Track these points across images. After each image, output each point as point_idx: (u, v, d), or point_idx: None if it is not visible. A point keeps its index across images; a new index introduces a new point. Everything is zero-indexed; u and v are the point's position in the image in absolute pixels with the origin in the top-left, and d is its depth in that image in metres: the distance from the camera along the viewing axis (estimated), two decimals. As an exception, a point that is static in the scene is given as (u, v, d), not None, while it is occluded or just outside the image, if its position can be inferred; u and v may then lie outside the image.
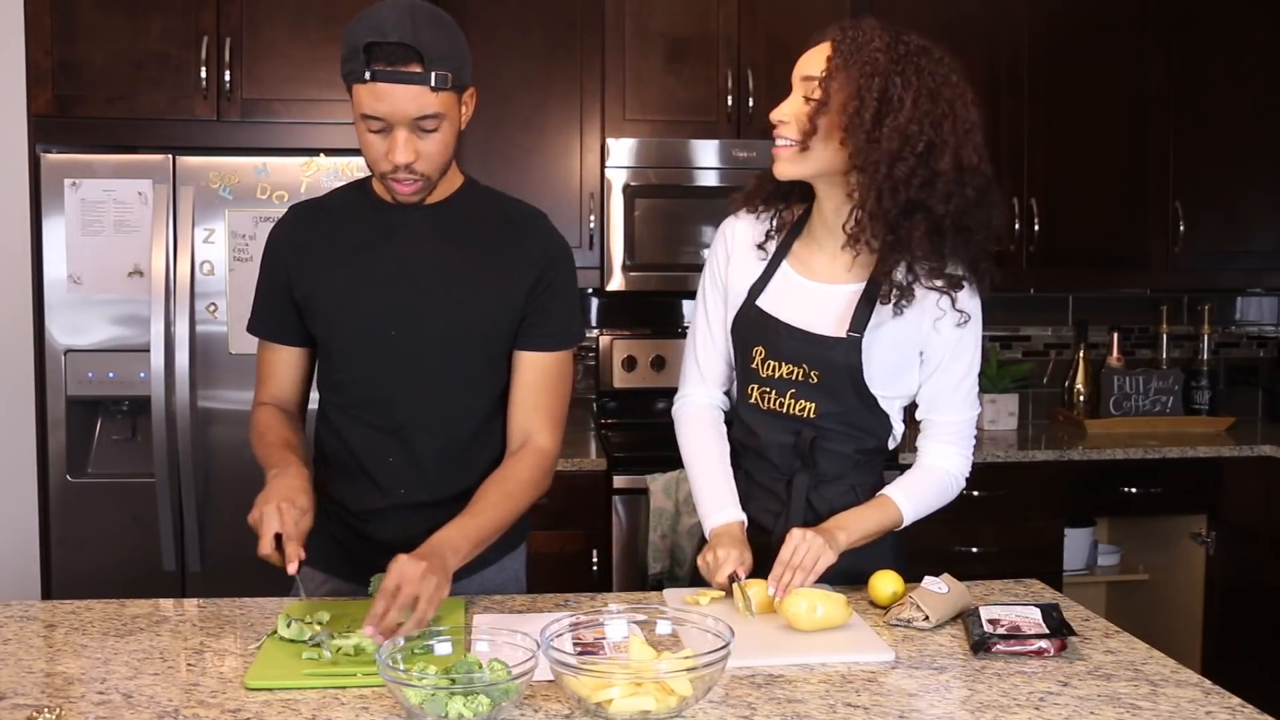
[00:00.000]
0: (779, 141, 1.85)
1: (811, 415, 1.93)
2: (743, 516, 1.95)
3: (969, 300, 1.91)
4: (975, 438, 2.01)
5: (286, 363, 1.99)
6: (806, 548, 1.77)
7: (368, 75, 1.70)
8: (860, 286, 1.92)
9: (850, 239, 1.86)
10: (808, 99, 1.82)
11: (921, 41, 1.83)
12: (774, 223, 1.98)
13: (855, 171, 1.81)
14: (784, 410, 1.94)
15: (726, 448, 2.04)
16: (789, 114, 1.84)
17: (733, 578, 1.81)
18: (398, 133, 1.74)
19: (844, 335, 1.89)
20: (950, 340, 1.92)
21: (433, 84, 1.72)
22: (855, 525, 1.87)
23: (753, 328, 1.97)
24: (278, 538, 1.66)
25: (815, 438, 1.93)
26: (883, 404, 1.94)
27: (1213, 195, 3.88)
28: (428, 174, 1.80)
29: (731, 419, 2.07)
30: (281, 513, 1.66)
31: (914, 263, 1.85)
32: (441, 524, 1.88)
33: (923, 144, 1.77)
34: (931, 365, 1.94)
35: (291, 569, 1.65)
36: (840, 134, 1.80)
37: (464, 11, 3.50)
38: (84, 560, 3.15)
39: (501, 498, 1.84)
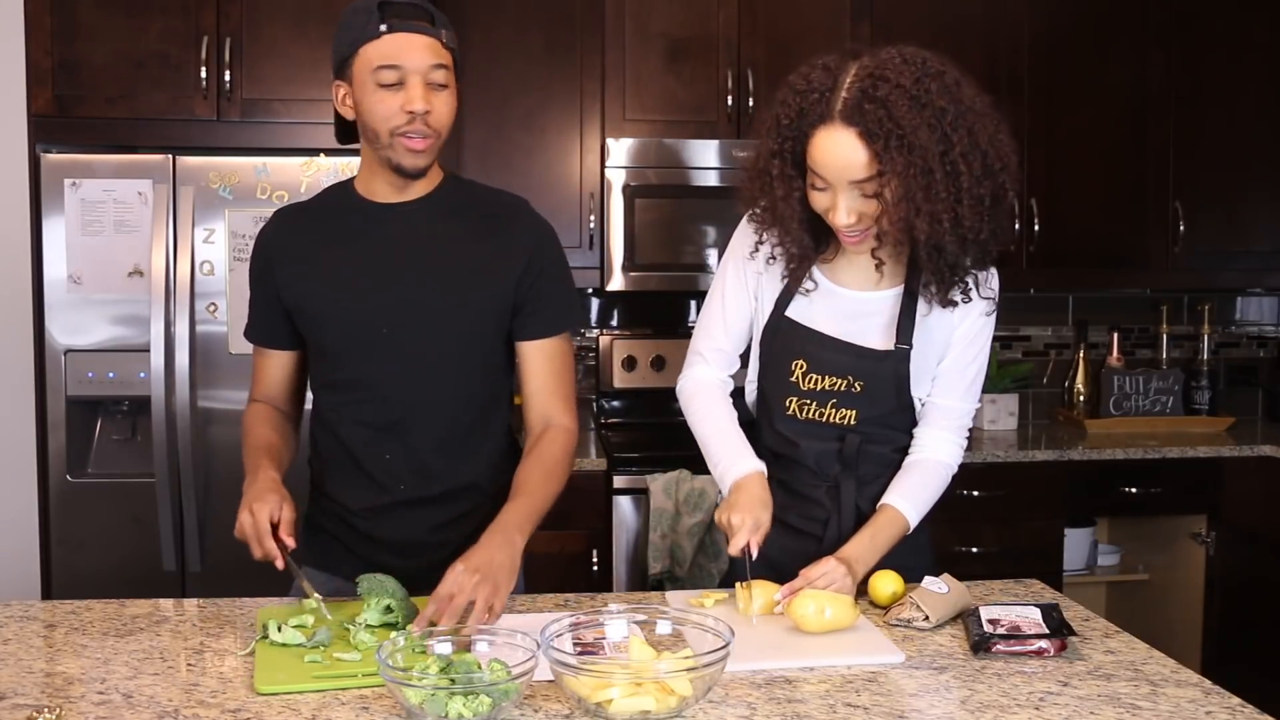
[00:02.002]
0: (851, 234, 1.80)
1: (852, 422, 1.93)
2: (762, 466, 1.94)
3: (995, 286, 1.93)
4: (975, 437, 2.01)
5: (278, 366, 2.03)
6: (831, 580, 1.77)
7: (384, 28, 1.78)
8: (896, 291, 1.91)
9: (924, 288, 1.87)
10: (865, 195, 1.75)
11: (925, 65, 1.74)
12: (793, 265, 1.93)
13: (922, 250, 1.77)
14: (824, 419, 1.94)
15: (734, 414, 2.02)
16: (857, 213, 1.77)
17: (741, 557, 1.81)
18: (412, 81, 1.80)
19: (892, 347, 1.89)
20: (974, 327, 1.92)
21: (444, 40, 1.82)
22: (871, 555, 1.86)
23: (789, 340, 1.95)
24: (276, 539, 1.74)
25: (860, 441, 1.93)
26: (916, 403, 1.94)
27: (1213, 195, 3.88)
28: (438, 131, 1.84)
29: (760, 428, 2.05)
30: (254, 514, 1.74)
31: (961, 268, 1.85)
32: (442, 520, 1.91)
33: (988, 197, 1.76)
34: (950, 350, 1.93)
35: (279, 565, 1.73)
36: (899, 231, 1.76)
37: (464, 12, 3.50)
38: (84, 560, 3.15)
39: (545, 477, 1.88)
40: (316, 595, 1.74)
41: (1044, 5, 3.77)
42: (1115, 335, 4.03)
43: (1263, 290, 4.30)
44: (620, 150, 3.55)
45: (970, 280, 1.87)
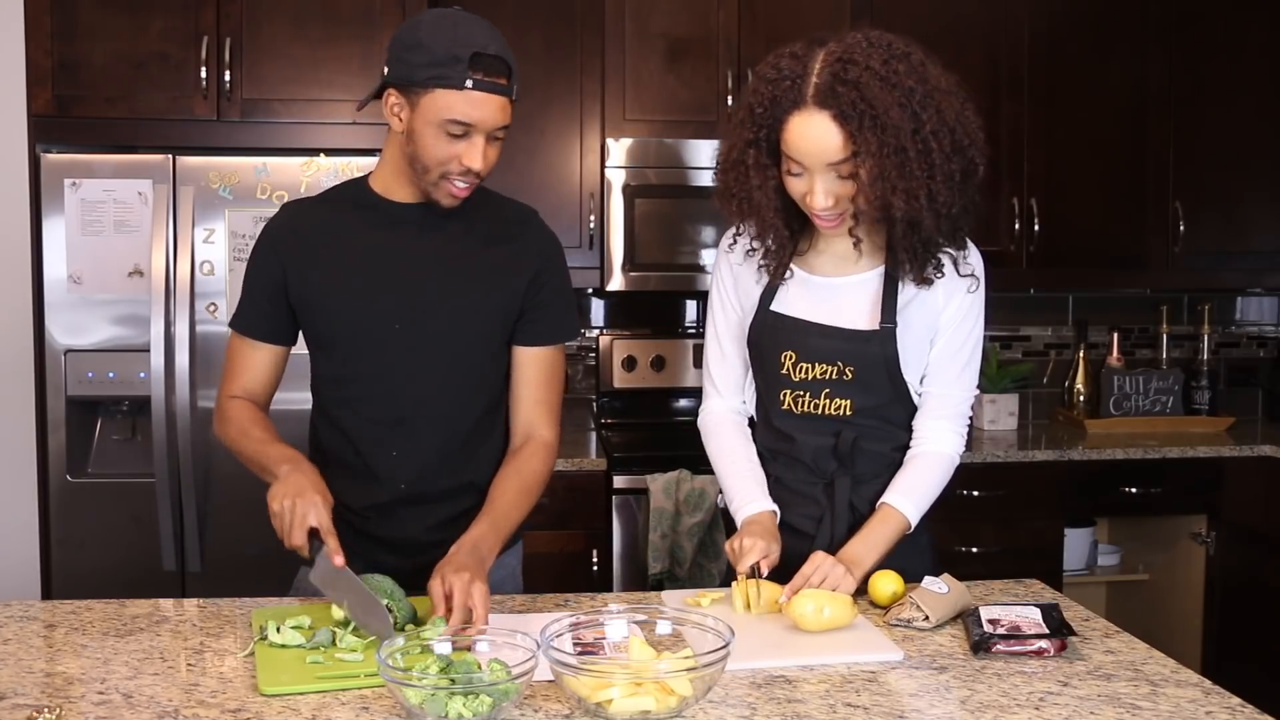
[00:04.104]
0: (827, 217, 1.82)
1: (847, 413, 1.93)
2: (774, 507, 1.95)
3: (976, 263, 1.94)
4: (975, 437, 2.01)
5: (265, 360, 2.01)
6: (827, 573, 1.78)
7: (469, 83, 1.77)
8: (876, 272, 1.92)
9: (901, 266, 1.87)
10: (841, 177, 1.77)
11: (891, 47, 1.76)
12: (770, 259, 1.95)
13: (898, 226, 1.78)
14: (819, 411, 1.94)
15: (753, 448, 2.03)
16: (834, 196, 1.79)
17: (754, 570, 1.81)
18: (477, 139, 1.81)
19: (878, 327, 1.89)
20: (961, 308, 1.92)
21: (514, 97, 1.82)
22: (871, 555, 1.87)
23: (777, 334, 1.95)
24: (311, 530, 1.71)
25: (856, 438, 1.93)
26: (912, 393, 1.94)
27: (1213, 195, 3.88)
28: (483, 179, 1.87)
29: (757, 426, 2.06)
30: (317, 507, 1.71)
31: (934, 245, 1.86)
32: (442, 519, 1.92)
33: (959, 173, 1.78)
34: (939, 336, 1.94)
35: (339, 561, 1.68)
36: (875, 208, 1.77)
37: (464, 11, 3.49)
38: (84, 560, 3.15)
39: (521, 494, 1.90)
40: (341, 611, 1.72)
41: (1044, 5, 3.77)
42: (1115, 335, 4.03)
43: (1263, 290, 4.30)
44: (620, 150, 3.55)
45: (944, 257, 1.88)
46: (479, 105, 1.78)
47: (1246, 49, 3.87)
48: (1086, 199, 3.82)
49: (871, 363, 1.90)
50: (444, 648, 1.49)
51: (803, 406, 1.95)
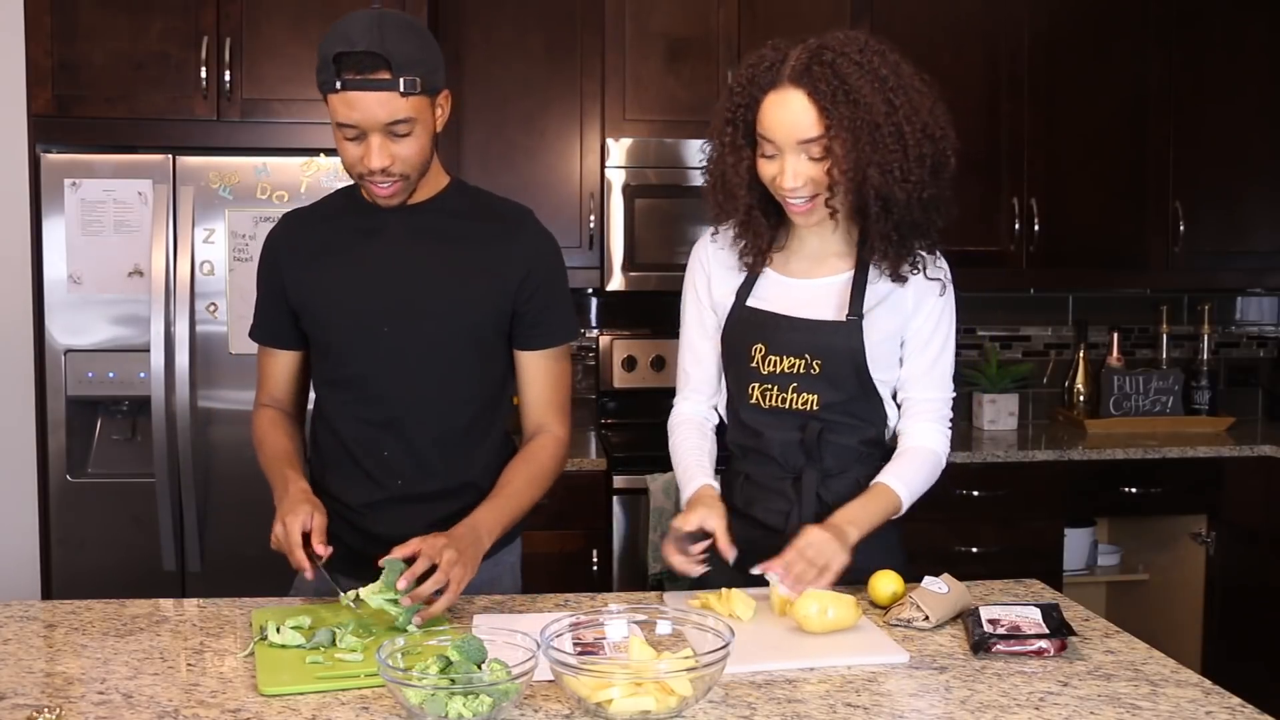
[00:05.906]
0: (796, 201, 1.85)
1: (814, 408, 1.94)
2: (711, 480, 1.97)
3: (944, 269, 1.97)
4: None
5: (282, 366, 2.05)
6: (820, 546, 1.78)
7: (339, 85, 1.75)
8: (847, 275, 1.95)
9: (876, 255, 1.90)
10: (812, 159, 1.81)
11: (868, 43, 1.82)
12: (747, 244, 1.97)
13: (873, 205, 1.82)
14: (786, 405, 1.95)
15: (709, 442, 2.05)
16: (804, 178, 1.82)
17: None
18: (371, 139, 1.79)
19: (844, 319, 1.91)
20: (931, 315, 1.95)
21: (402, 89, 1.76)
22: (863, 519, 1.87)
23: (749, 327, 1.97)
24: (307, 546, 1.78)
25: (822, 430, 1.94)
26: (880, 389, 1.95)
27: (1213, 195, 3.88)
28: (405, 174, 1.84)
29: (726, 424, 2.07)
30: (286, 526, 1.77)
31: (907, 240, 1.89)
32: (440, 517, 1.92)
33: (929, 161, 1.82)
34: (912, 343, 1.97)
35: (309, 575, 1.76)
36: (850, 181, 1.81)
37: (463, 12, 3.50)
38: (84, 560, 3.15)
39: (529, 482, 1.93)
40: (350, 595, 1.74)
41: (1044, 5, 3.77)
42: (1115, 335, 4.03)
43: (1263, 290, 4.30)
44: (620, 150, 3.55)
45: (918, 258, 1.92)
46: (354, 105, 1.75)
47: (1246, 49, 3.87)
48: (1086, 199, 3.82)
49: (838, 355, 1.91)
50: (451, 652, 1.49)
51: (771, 400, 1.96)
